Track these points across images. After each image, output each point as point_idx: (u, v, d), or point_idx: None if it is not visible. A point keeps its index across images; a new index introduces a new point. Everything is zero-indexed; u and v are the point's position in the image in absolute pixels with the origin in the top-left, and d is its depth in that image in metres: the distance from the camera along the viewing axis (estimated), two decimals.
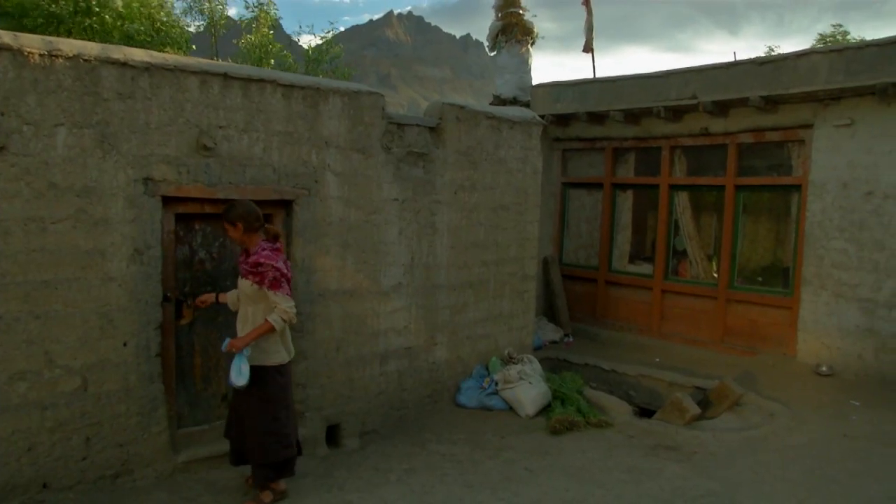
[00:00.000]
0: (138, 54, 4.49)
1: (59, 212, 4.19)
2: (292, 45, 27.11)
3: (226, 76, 4.87)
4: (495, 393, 6.64)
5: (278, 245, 4.48)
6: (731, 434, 6.09)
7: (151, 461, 4.64)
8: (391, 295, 6.07)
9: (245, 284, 4.37)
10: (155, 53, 4.66)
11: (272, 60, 20.71)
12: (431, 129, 6.39)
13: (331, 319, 5.59)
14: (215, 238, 5.09)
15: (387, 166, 5.95)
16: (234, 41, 22.04)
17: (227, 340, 4.28)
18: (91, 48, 4.30)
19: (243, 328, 4.39)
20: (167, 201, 4.67)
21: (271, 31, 22.04)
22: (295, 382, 5.34)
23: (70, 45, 4.19)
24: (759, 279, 9.25)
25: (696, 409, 6.61)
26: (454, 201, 6.60)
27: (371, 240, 5.86)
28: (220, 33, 22.76)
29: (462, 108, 6.72)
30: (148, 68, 4.47)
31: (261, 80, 5.07)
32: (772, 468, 5.29)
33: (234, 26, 23.37)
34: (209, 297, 4.74)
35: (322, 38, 24.11)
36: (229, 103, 4.90)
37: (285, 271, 4.37)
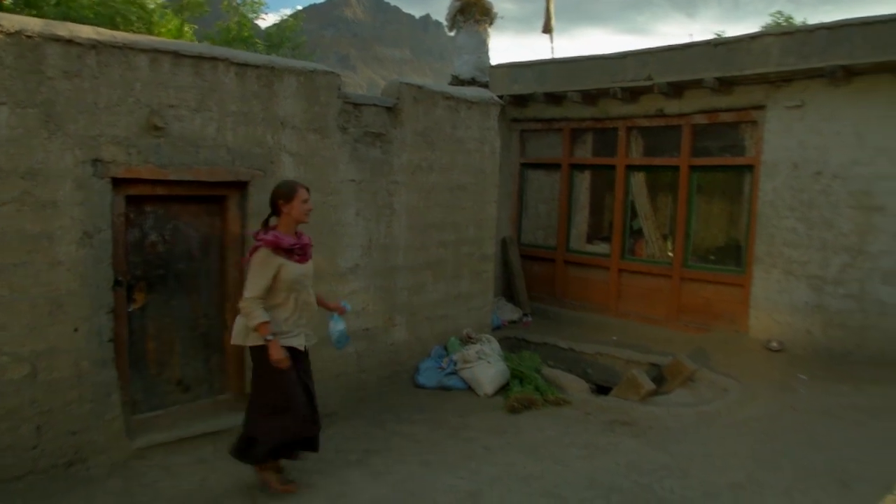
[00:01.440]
0: (85, 31, 4.36)
1: (3, 195, 4.07)
2: (256, 30, 26.70)
3: (176, 54, 4.76)
4: (454, 373, 6.68)
5: None
6: (684, 409, 6.22)
7: (105, 449, 4.57)
8: (349, 276, 6.04)
9: (311, 266, 4.41)
10: (102, 30, 4.53)
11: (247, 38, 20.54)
12: (389, 109, 6.35)
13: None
14: (168, 220, 5.00)
15: (343, 147, 5.90)
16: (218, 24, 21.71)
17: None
18: (34, 24, 4.16)
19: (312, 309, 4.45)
20: (117, 183, 4.57)
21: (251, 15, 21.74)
22: (250, 366, 5.31)
23: (11, 21, 4.05)
24: (713, 258, 9.43)
25: (650, 386, 6.74)
26: (412, 182, 6.57)
27: (328, 221, 5.82)
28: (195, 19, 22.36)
29: (419, 88, 6.68)
30: (95, 46, 4.35)
31: (213, 59, 4.96)
32: (723, 441, 5.44)
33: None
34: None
35: (286, 17, 23.80)
36: (181, 82, 4.80)
37: None
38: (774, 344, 8.07)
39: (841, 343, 7.76)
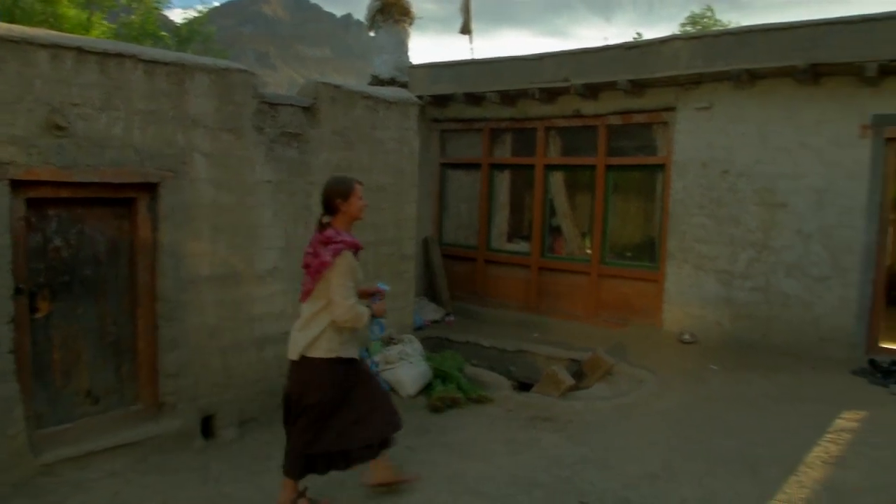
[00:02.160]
0: None
1: None
2: (167, 24, 25.80)
3: (80, 50, 4.55)
4: (376, 374, 6.63)
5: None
6: (603, 402, 6.38)
7: (9, 466, 4.31)
8: (267, 279, 5.92)
9: None
10: None
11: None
12: (306, 108, 6.25)
13: (203, 306, 5.39)
14: (73, 224, 4.77)
15: (259, 147, 5.77)
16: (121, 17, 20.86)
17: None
18: None
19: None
20: (16, 185, 4.32)
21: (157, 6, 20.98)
22: (165, 373, 5.15)
23: None
24: (629, 254, 9.70)
25: (570, 381, 6.88)
26: None
27: (244, 223, 5.68)
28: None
29: (337, 87, 6.61)
30: None
31: (119, 56, 4.77)
32: (640, 432, 5.59)
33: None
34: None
35: (194, 14, 23.13)
36: (85, 80, 4.59)
37: None
38: (687, 336, 8.37)
39: (748, 334, 8.12)
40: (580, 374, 7.53)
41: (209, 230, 5.39)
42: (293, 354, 3.98)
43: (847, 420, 5.75)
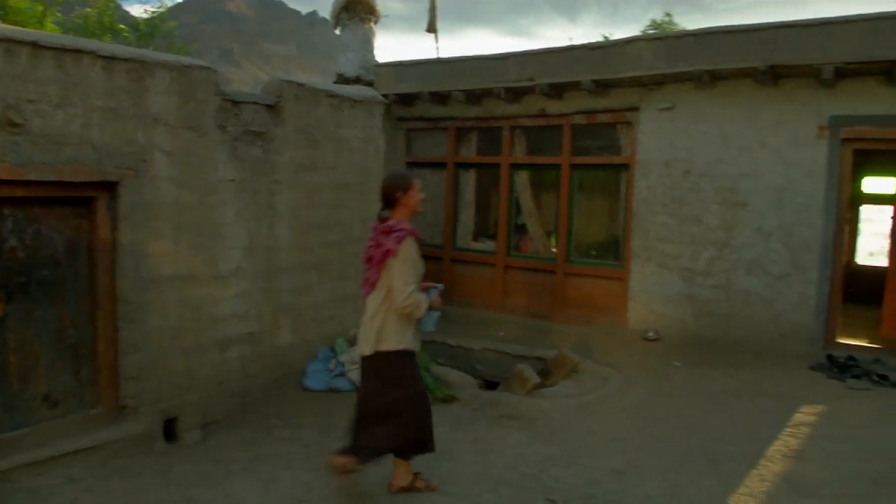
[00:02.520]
0: None
1: None
2: (126, 18, 25.29)
3: (35, 45, 4.43)
4: (342, 374, 6.59)
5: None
6: (568, 400, 6.42)
7: None
8: (230, 279, 5.84)
9: None
10: None
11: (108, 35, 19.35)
12: (270, 106, 6.18)
13: (165, 307, 5.30)
14: (29, 224, 4.65)
15: (222, 145, 5.69)
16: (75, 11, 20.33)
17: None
18: None
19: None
20: None
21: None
22: (126, 375, 5.05)
23: None
24: (594, 253, 9.79)
25: (536, 379, 6.92)
26: (295, 181, 6.44)
27: (207, 222, 5.60)
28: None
29: (301, 85, 6.55)
30: None
31: (77, 51, 4.66)
32: (605, 429, 5.65)
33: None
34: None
35: (154, 11, 22.71)
36: (41, 75, 4.47)
37: None
38: (651, 334, 8.47)
39: (710, 330, 8.25)
40: (546, 372, 7.58)
41: (171, 230, 5.30)
42: (365, 350, 4.07)
43: (806, 414, 5.88)
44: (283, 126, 6.26)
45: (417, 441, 4.20)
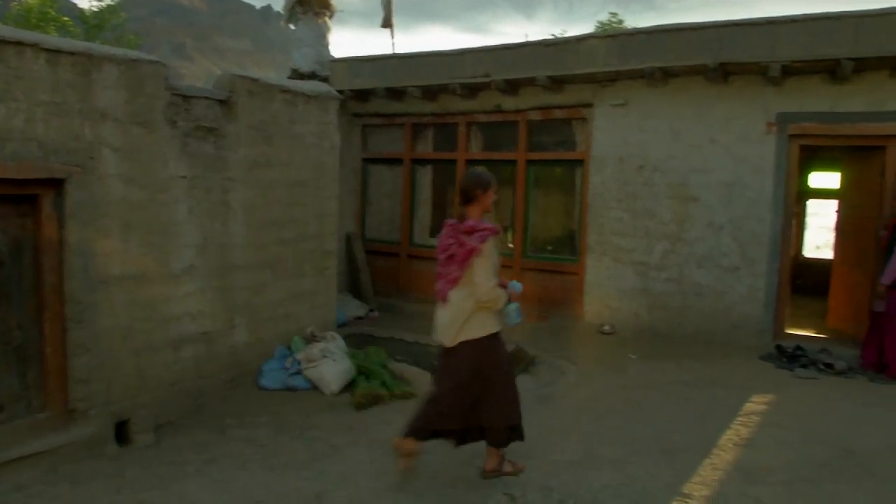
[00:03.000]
0: None
1: None
2: (73, 11, 24.56)
3: None
4: (299, 373, 6.53)
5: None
6: (525, 393, 6.39)
7: None
8: (183, 278, 5.73)
9: None
10: None
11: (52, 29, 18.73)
12: (222, 102, 6.08)
13: (115, 307, 5.17)
14: None
15: (173, 141, 5.58)
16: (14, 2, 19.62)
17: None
18: None
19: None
20: None
21: None
22: (76, 378, 4.92)
23: None
24: (550, 248, 9.87)
25: None
26: (248, 178, 6.35)
27: (158, 220, 5.48)
28: None
29: (254, 80, 6.46)
30: None
31: (19, 44, 4.51)
32: (562, 422, 5.70)
33: None
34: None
35: (102, 3, 22.12)
36: None
37: None
38: (607, 327, 8.58)
39: (664, 323, 8.39)
40: None
41: (120, 228, 5.17)
42: (449, 342, 4.34)
43: (756, 403, 6.03)
44: (235, 122, 6.16)
45: (510, 425, 4.47)
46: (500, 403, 4.39)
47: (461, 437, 4.55)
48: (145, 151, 5.34)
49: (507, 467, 4.54)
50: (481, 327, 4.30)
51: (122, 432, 5.23)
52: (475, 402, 4.38)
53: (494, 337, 4.37)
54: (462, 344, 4.30)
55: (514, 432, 4.51)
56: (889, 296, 6.77)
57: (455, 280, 4.28)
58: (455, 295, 4.29)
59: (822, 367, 7.09)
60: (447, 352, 4.39)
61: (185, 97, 5.71)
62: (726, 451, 4.94)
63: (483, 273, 4.19)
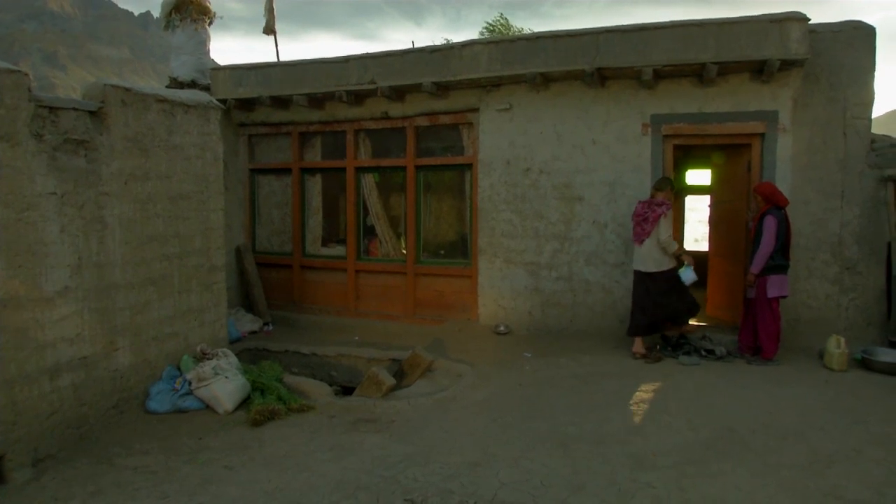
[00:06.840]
0: None
1: None
2: None
3: None
4: (189, 393, 6.29)
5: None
6: (423, 399, 6.48)
7: None
8: (57, 301, 5.40)
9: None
10: None
11: None
12: (93, 113, 5.78)
13: None
14: None
15: (39, 156, 5.25)
16: None
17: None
18: None
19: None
20: None
21: None
22: None
23: None
24: (443, 252, 9.94)
25: (391, 381, 6.92)
26: (125, 192, 6.06)
27: (26, 240, 5.14)
28: None
29: (127, 90, 6.17)
30: None
31: None
32: (461, 424, 5.74)
33: None
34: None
35: None
36: None
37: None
38: (502, 328, 8.73)
39: (557, 320, 8.63)
40: (401, 373, 7.60)
41: None
42: (652, 268, 7.49)
43: (645, 392, 6.30)
44: (108, 134, 5.87)
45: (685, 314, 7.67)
46: (678, 303, 7.51)
47: (651, 328, 7.62)
48: (8, 167, 5.00)
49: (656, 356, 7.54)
50: (664, 261, 7.44)
51: None
52: (655, 304, 7.49)
53: (672, 270, 7.46)
54: (658, 273, 7.44)
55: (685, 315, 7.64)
56: (759, 283, 7.23)
57: (648, 233, 7.38)
58: (648, 243, 7.42)
59: (703, 353, 7.49)
60: (650, 275, 7.51)
61: (52, 109, 5.39)
62: (618, 440, 5.13)
63: (665, 229, 7.32)
